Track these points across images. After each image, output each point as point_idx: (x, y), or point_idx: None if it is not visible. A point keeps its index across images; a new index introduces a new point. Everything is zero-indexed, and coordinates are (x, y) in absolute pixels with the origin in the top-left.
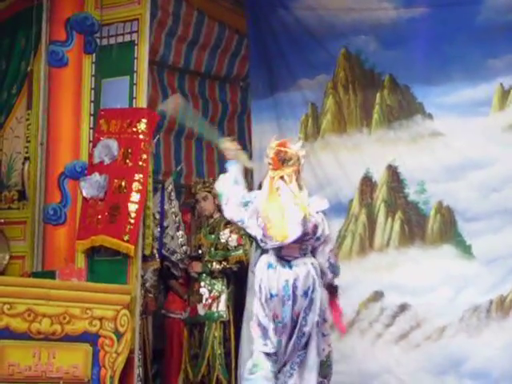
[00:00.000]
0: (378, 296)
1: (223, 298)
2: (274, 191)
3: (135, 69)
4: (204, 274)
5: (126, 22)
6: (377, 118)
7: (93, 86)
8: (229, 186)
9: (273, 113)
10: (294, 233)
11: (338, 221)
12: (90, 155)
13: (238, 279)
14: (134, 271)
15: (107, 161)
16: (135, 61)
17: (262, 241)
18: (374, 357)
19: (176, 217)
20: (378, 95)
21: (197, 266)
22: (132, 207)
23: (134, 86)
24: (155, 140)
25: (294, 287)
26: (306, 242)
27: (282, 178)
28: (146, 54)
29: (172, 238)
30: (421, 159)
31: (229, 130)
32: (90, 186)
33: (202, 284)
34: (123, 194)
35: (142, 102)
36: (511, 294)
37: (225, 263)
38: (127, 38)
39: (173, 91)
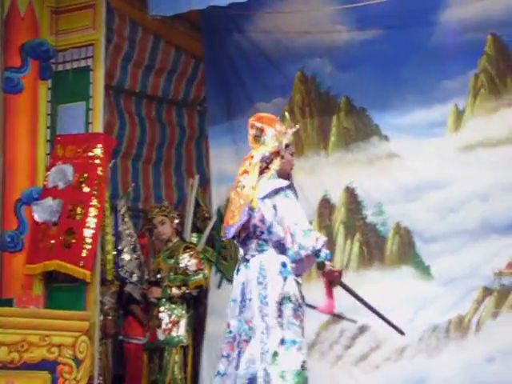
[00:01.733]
0: (337, 318)
1: (183, 322)
2: (241, 174)
3: (91, 94)
4: (163, 299)
5: (81, 48)
6: (334, 141)
7: (49, 112)
8: None
9: (230, 137)
10: (235, 223)
11: None
12: (44, 180)
13: (197, 303)
14: (92, 297)
15: (62, 186)
16: (91, 86)
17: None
18: (334, 379)
19: (131, 238)
20: (334, 118)
21: (156, 292)
22: (88, 232)
23: (90, 111)
24: (111, 164)
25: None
26: (260, 236)
27: (252, 158)
28: (102, 79)
29: (129, 259)
30: (378, 181)
31: (186, 154)
32: (42, 211)
33: (162, 309)
34: (78, 220)
35: (98, 127)
36: (470, 313)
37: (184, 288)
38: (83, 63)
39: (130, 116)
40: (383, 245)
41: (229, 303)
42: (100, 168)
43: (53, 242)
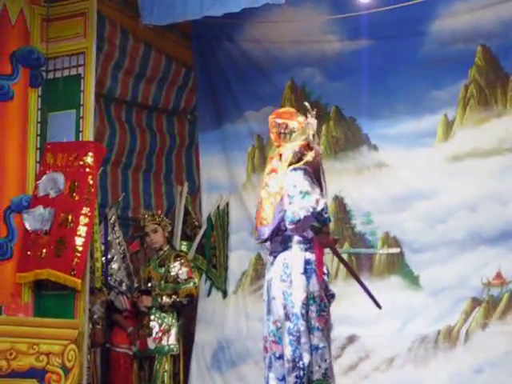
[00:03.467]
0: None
1: (173, 331)
2: (269, 173)
3: (82, 102)
4: (154, 308)
5: (72, 56)
6: (323, 150)
7: (39, 120)
8: None
9: (220, 145)
10: (269, 223)
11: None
12: (35, 188)
13: (188, 312)
14: (81, 305)
15: (53, 194)
16: (82, 94)
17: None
18: None
19: (121, 247)
20: (323, 127)
21: (147, 300)
22: (78, 241)
23: (81, 120)
24: (100, 172)
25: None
26: (285, 232)
27: (281, 156)
28: (93, 88)
29: (119, 268)
30: (367, 190)
31: (176, 162)
32: (34, 219)
33: (152, 317)
34: (69, 228)
35: (88, 135)
36: (459, 324)
37: (175, 297)
38: (73, 71)
39: (120, 124)
40: (372, 255)
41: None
42: (90, 176)
43: (44, 250)
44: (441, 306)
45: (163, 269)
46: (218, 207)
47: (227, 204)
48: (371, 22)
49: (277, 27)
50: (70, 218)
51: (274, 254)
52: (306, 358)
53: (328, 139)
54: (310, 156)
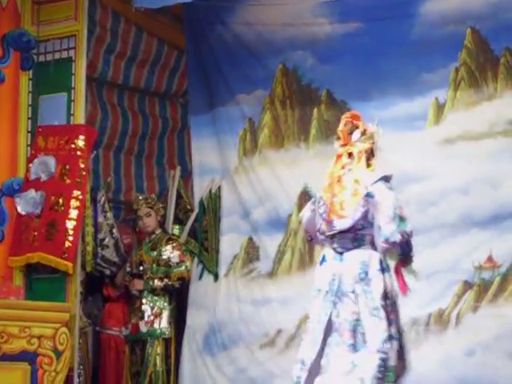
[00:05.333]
0: None
1: (165, 314)
2: (338, 170)
3: (73, 85)
4: (145, 292)
5: (63, 39)
6: (314, 133)
7: (30, 103)
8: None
9: (211, 128)
10: (348, 215)
11: (277, 236)
12: (26, 171)
13: (179, 295)
14: (72, 289)
15: (44, 177)
16: (73, 77)
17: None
18: None
19: (112, 229)
20: (315, 110)
21: (138, 284)
22: (70, 224)
23: (72, 103)
24: (92, 156)
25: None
26: (359, 231)
27: (350, 155)
28: (84, 71)
29: (108, 247)
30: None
31: (168, 145)
32: (26, 203)
33: (144, 301)
34: (60, 211)
35: (79, 118)
36: (450, 307)
37: (167, 280)
38: (64, 54)
39: (112, 107)
40: None
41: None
42: (81, 160)
43: (35, 233)
44: (432, 289)
45: (155, 252)
46: (210, 191)
47: (219, 188)
48: (362, 4)
49: (269, 10)
50: (61, 201)
51: (342, 249)
52: (386, 347)
53: (319, 123)
54: (372, 160)
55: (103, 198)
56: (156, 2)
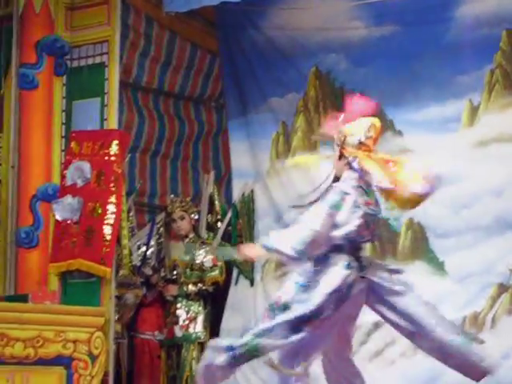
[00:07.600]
0: None
1: (200, 318)
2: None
3: (106, 90)
4: (180, 297)
5: (96, 44)
6: None
7: (64, 108)
8: None
9: (244, 132)
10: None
11: None
12: (62, 177)
13: (214, 299)
14: (107, 293)
15: (80, 183)
16: (106, 82)
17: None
18: None
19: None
20: None
21: (172, 289)
22: (107, 230)
23: (105, 108)
24: (127, 159)
25: None
26: None
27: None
28: (117, 75)
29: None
30: None
31: (203, 150)
32: (63, 209)
33: (179, 306)
34: (97, 217)
35: (113, 123)
36: (485, 310)
37: (200, 285)
38: (97, 59)
39: (148, 112)
40: (396, 240)
41: None
42: (116, 164)
43: (75, 240)
44: (467, 292)
45: (188, 257)
46: (243, 194)
47: (252, 191)
48: (397, 7)
49: (302, 14)
50: (97, 206)
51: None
52: None
53: None
54: None
55: (129, 203)
56: (184, 6)
